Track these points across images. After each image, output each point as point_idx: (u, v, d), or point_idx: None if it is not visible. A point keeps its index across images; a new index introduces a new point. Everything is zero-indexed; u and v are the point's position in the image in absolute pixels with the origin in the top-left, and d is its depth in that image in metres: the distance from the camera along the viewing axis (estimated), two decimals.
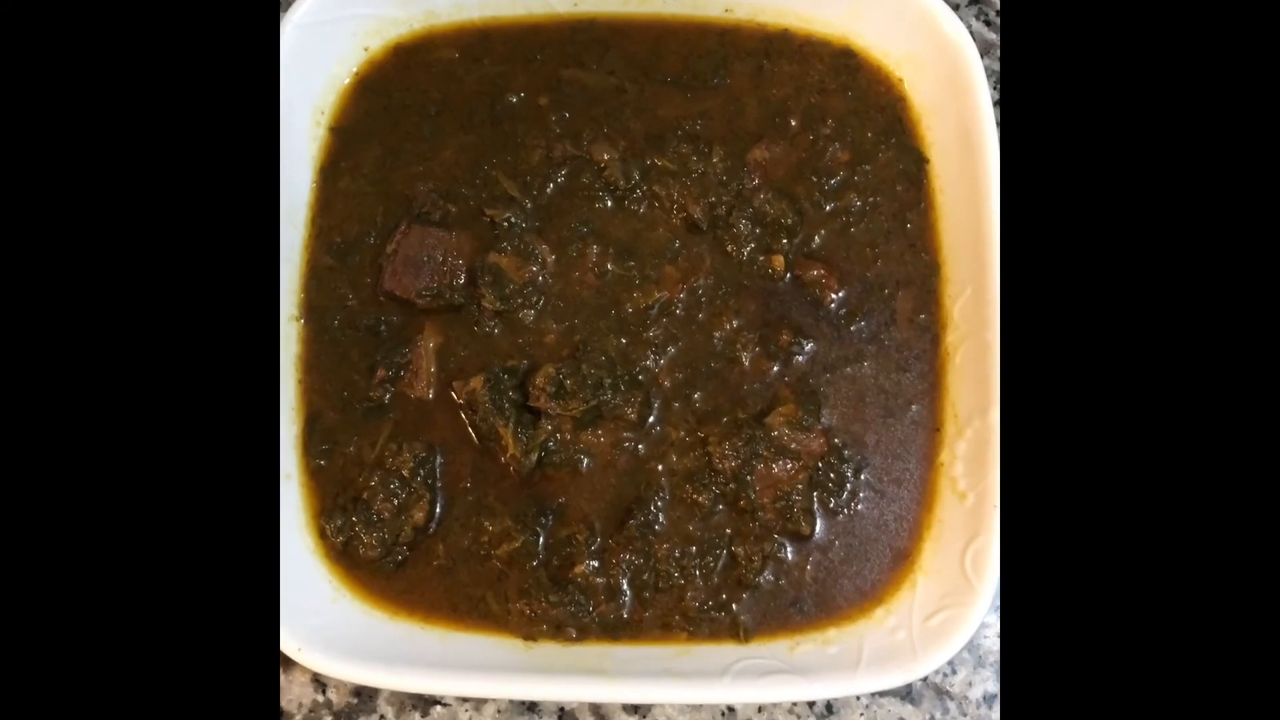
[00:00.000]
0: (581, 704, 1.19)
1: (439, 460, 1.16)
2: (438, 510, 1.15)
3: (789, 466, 1.13)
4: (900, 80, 1.28)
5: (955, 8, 1.33)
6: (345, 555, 1.14)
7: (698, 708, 1.18)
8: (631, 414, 1.15)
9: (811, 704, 1.19)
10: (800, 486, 1.13)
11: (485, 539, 1.13)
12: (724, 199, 1.22)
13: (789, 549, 1.14)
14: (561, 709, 1.18)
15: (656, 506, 1.14)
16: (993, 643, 1.21)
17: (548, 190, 1.24)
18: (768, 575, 1.13)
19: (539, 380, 1.14)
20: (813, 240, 1.23)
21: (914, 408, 1.18)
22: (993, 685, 1.20)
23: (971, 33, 1.22)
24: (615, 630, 1.12)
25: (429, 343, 1.19)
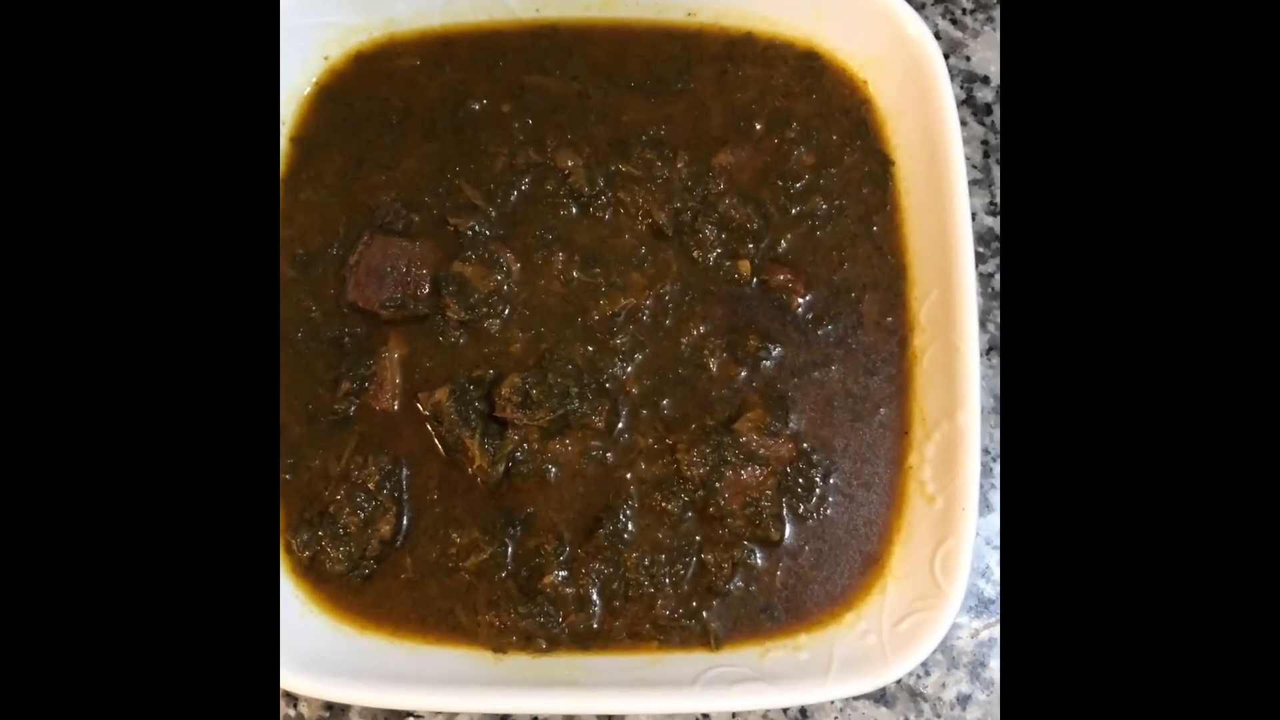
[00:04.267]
0: (554, 715, 1.18)
1: (405, 472, 1.16)
2: (404, 523, 1.14)
3: (758, 472, 1.13)
4: (865, 82, 1.27)
5: (920, 8, 1.34)
6: (312, 570, 1.13)
7: (671, 716, 1.18)
8: (599, 422, 1.14)
9: (785, 708, 1.19)
10: (769, 492, 1.13)
11: (453, 551, 1.13)
12: (689, 204, 1.22)
13: (759, 555, 1.14)
14: (535, 719, 1.18)
15: (625, 515, 1.14)
16: (965, 644, 1.21)
17: (511, 198, 1.23)
18: (738, 582, 1.13)
19: (505, 390, 1.13)
20: (779, 244, 1.22)
21: (882, 411, 1.17)
22: (966, 686, 1.20)
23: (937, 32, 1.23)
24: (586, 640, 1.11)
25: (394, 354, 1.18)
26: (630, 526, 1.14)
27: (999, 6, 1.41)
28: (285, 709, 1.18)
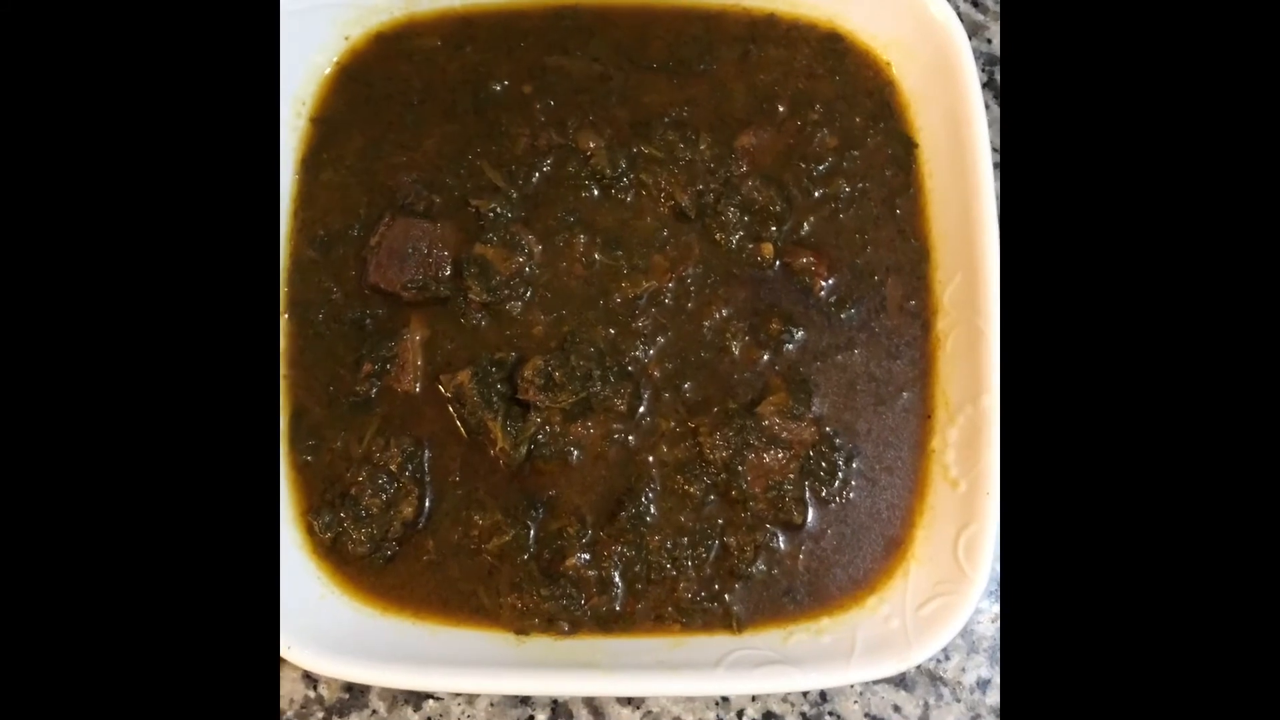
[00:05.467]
0: (575, 697, 1.18)
1: (427, 454, 1.15)
2: (427, 505, 1.14)
3: (780, 456, 1.12)
4: (888, 64, 1.27)
5: None
6: (334, 551, 1.13)
7: (692, 698, 1.18)
8: (621, 405, 1.14)
9: (806, 692, 1.19)
10: (792, 476, 1.13)
11: (475, 533, 1.13)
12: (712, 186, 1.21)
13: (781, 539, 1.14)
14: (555, 701, 1.18)
15: (648, 498, 1.13)
16: (986, 628, 1.21)
17: (533, 179, 1.22)
18: (760, 565, 1.13)
19: (527, 372, 1.13)
20: (802, 227, 1.22)
21: (905, 395, 1.17)
22: (986, 671, 1.20)
23: (960, 15, 1.21)
24: (608, 623, 1.11)
25: (415, 336, 1.17)
26: (652, 509, 1.13)
27: None
28: (305, 690, 1.18)
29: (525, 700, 1.18)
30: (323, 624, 1.08)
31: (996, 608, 1.22)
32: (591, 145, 1.22)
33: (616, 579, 1.12)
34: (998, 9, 1.40)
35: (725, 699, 1.18)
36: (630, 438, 1.15)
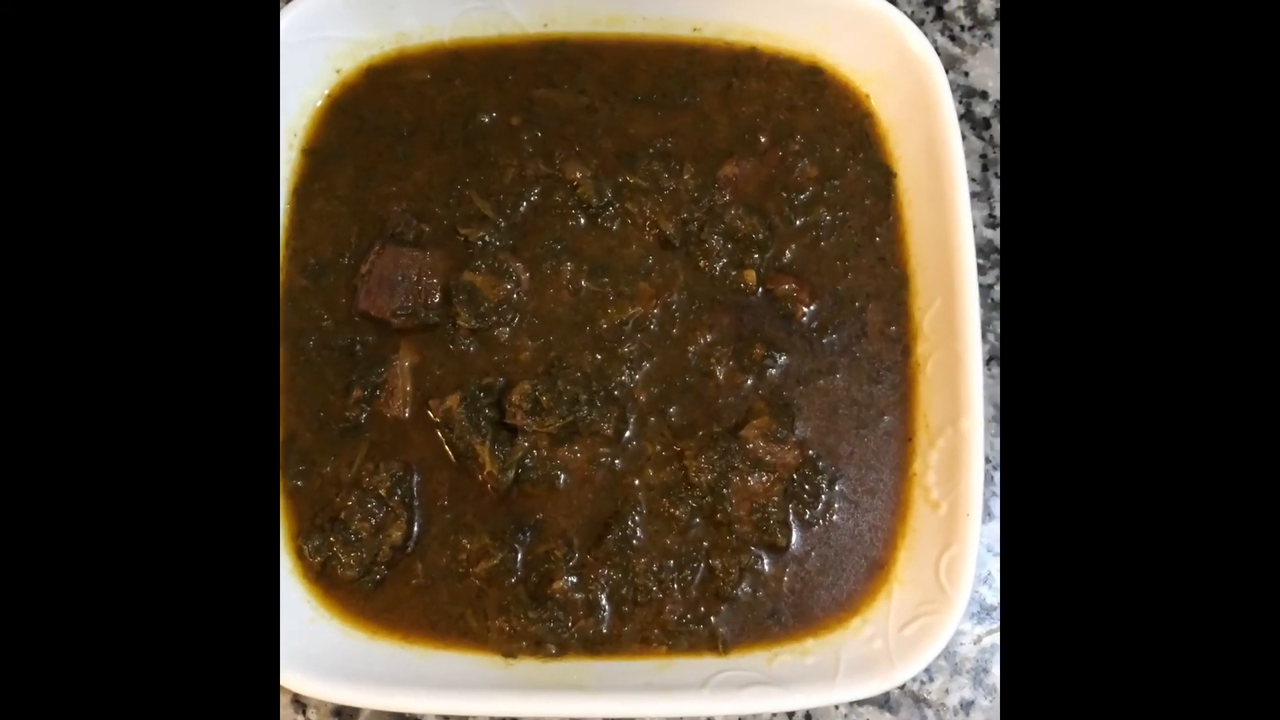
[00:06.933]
0: (562, 718, 1.19)
1: (416, 479, 1.17)
2: (415, 529, 1.15)
3: (764, 479, 1.14)
4: (867, 96, 1.30)
5: (920, 23, 1.36)
6: (324, 575, 1.14)
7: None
8: (608, 429, 1.16)
9: (791, 713, 1.20)
10: (776, 499, 1.14)
11: (463, 557, 1.14)
12: (696, 215, 1.24)
13: (766, 561, 1.15)
14: None
15: (634, 521, 1.15)
16: (969, 649, 1.23)
17: (521, 209, 1.25)
18: (745, 587, 1.14)
19: (515, 397, 1.15)
20: (784, 255, 1.24)
21: (886, 418, 1.19)
22: (969, 692, 1.21)
23: (936, 48, 1.24)
24: (595, 645, 1.12)
25: (405, 362, 1.19)
26: (639, 532, 1.15)
27: (997, 23, 1.44)
28: (295, 714, 1.19)
29: None
30: (312, 647, 1.08)
31: (979, 629, 1.23)
32: (578, 175, 1.24)
33: (603, 601, 1.13)
34: (974, 43, 1.44)
35: None
36: (616, 461, 1.17)
